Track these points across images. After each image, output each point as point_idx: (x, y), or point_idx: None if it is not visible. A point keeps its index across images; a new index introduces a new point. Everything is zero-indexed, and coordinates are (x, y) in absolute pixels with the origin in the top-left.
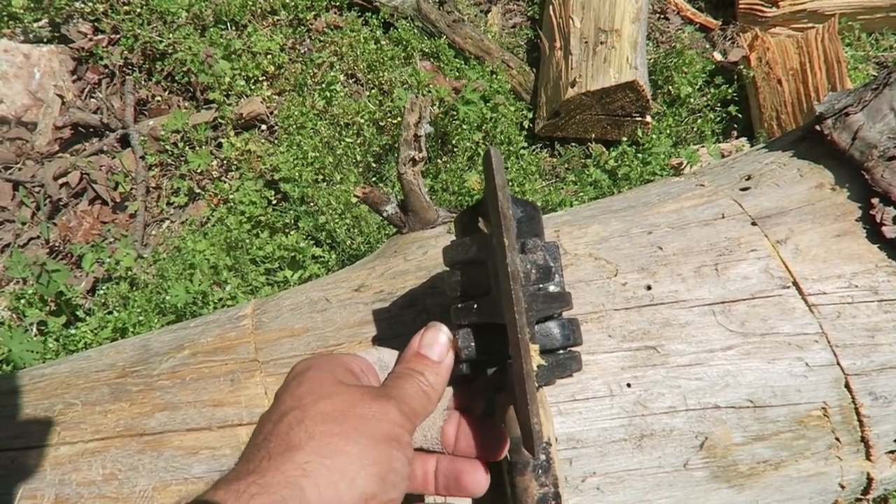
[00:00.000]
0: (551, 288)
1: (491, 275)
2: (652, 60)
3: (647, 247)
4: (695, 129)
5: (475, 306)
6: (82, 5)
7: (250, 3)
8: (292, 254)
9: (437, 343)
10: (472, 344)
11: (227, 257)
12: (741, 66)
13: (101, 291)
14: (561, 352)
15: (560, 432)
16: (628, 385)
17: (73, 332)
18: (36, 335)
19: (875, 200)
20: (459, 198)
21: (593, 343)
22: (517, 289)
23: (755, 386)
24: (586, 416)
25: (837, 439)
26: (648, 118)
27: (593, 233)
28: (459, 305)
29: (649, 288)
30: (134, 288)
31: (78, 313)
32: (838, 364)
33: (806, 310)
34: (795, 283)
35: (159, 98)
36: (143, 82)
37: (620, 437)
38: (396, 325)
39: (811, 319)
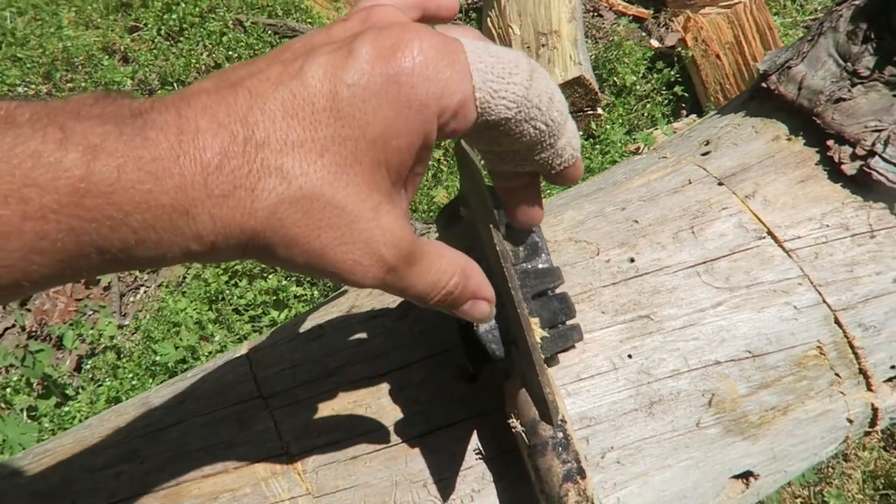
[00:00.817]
0: (540, 265)
1: (482, 260)
2: (593, 56)
3: (624, 222)
4: (645, 115)
5: None
6: (25, 89)
7: (193, 61)
8: (274, 297)
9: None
10: (496, 323)
11: (209, 311)
12: (679, 49)
13: (88, 367)
14: (560, 325)
15: (572, 413)
16: (629, 356)
17: (66, 409)
18: (27, 421)
19: (830, 142)
20: (430, 214)
21: (588, 322)
22: (508, 266)
23: (750, 336)
24: (594, 394)
25: (837, 375)
26: (600, 110)
27: (569, 218)
28: None
29: (632, 260)
30: (121, 356)
31: (67, 392)
32: (825, 302)
33: (784, 256)
34: (770, 233)
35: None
36: None
37: (631, 407)
38: (392, 337)
39: (791, 264)
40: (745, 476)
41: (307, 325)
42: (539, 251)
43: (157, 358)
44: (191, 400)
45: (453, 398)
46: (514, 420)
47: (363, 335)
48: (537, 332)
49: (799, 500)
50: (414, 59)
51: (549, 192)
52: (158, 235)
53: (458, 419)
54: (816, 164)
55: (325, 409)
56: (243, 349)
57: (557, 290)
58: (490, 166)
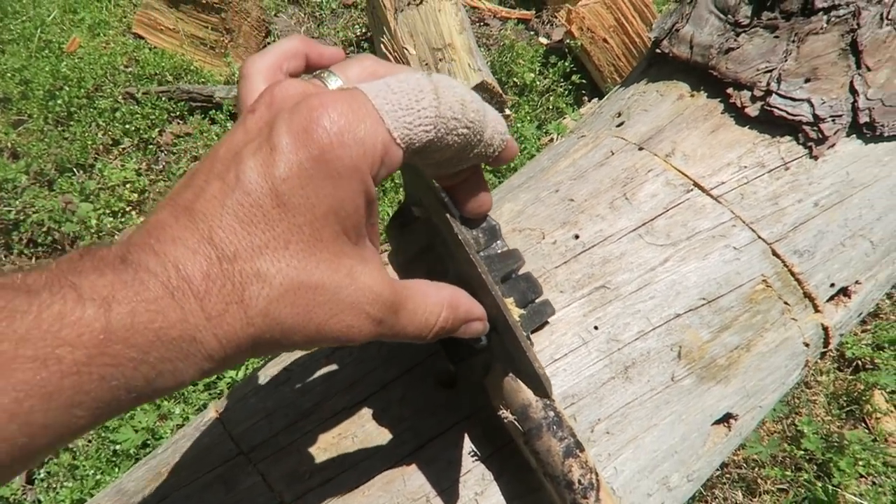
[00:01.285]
0: (499, 249)
1: (444, 255)
2: (490, 62)
3: (560, 203)
4: (551, 108)
5: None
6: None
7: (89, 142)
8: None
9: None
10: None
11: None
12: (567, 41)
13: (41, 476)
14: (531, 303)
15: (555, 394)
16: (595, 328)
17: None
18: None
19: (730, 90)
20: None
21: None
22: (474, 253)
23: (701, 284)
24: (571, 371)
25: (786, 303)
26: (508, 111)
27: (508, 210)
28: None
29: (577, 237)
30: (76, 455)
31: None
32: (759, 238)
33: (714, 203)
34: (696, 184)
35: (27, 267)
36: (3, 258)
37: (608, 376)
38: (363, 363)
39: (721, 209)
40: (726, 420)
41: (271, 372)
42: (496, 235)
43: (118, 447)
44: (169, 474)
45: (437, 407)
46: (504, 410)
47: (333, 367)
48: (514, 311)
49: (776, 435)
50: (329, 133)
51: None
52: (174, 365)
53: (447, 426)
54: (722, 113)
55: (311, 450)
56: (211, 411)
57: (520, 272)
58: (431, 174)
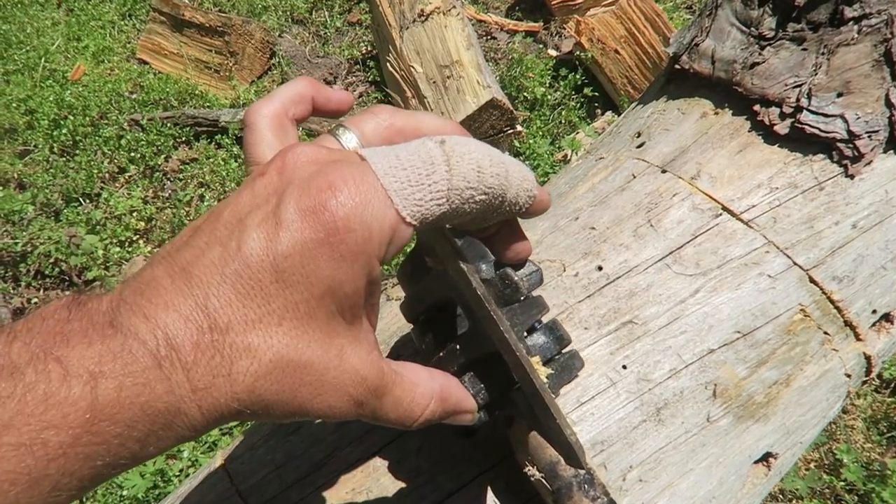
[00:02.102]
0: (521, 298)
1: (462, 308)
2: (499, 77)
3: (581, 231)
4: (563, 122)
5: (458, 347)
6: None
7: (95, 170)
8: None
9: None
10: (482, 385)
11: None
12: (577, 52)
13: None
14: (557, 356)
15: (582, 441)
16: (624, 367)
17: None
18: None
19: (757, 107)
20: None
21: (573, 341)
22: (495, 309)
23: (735, 316)
24: (599, 415)
25: (826, 333)
26: (519, 127)
27: None
28: (441, 354)
29: (600, 268)
30: (85, 499)
31: None
32: (795, 264)
33: (745, 228)
34: (725, 208)
35: (36, 300)
36: (11, 290)
37: (639, 420)
38: None
39: (753, 234)
40: (766, 458)
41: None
42: (520, 288)
43: (124, 493)
44: None
45: (457, 458)
46: (531, 467)
47: None
48: (540, 371)
49: (813, 464)
50: (335, 217)
51: None
52: (158, 437)
53: (468, 479)
54: (750, 131)
55: None
56: (218, 460)
57: (544, 319)
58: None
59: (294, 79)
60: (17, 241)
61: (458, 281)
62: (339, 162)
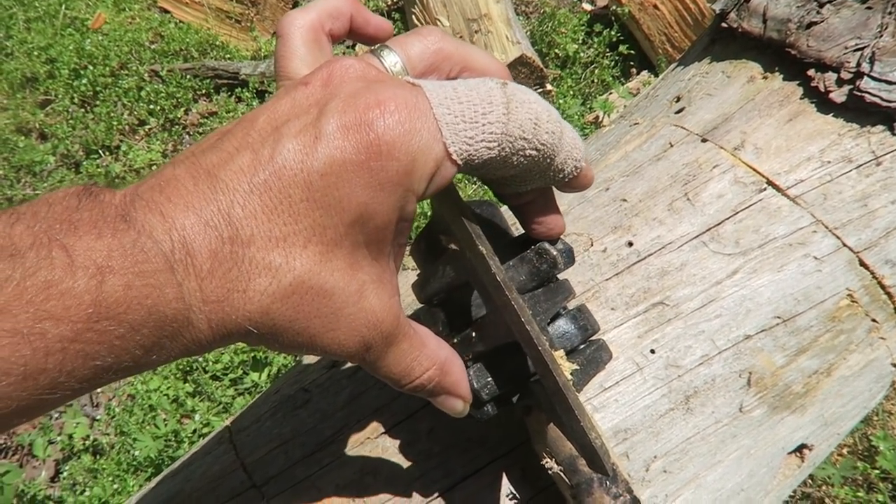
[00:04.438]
0: (556, 278)
1: (479, 294)
2: (529, 32)
3: (611, 203)
4: (596, 81)
5: (474, 335)
6: None
7: (115, 122)
8: (252, 354)
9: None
10: (490, 379)
11: (186, 384)
12: (614, 7)
13: (65, 473)
14: (582, 346)
15: (605, 428)
16: (652, 351)
17: None
18: None
19: (811, 72)
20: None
21: (599, 322)
22: (516, 297)
23: (776, 300)
24: (623, 402)
25: (874, 320)
26: (549, 86)
27: None
28: (455, 340)
29: (631, 244)
30: (99, 456)
31: None
32: (845, 245)
33: (791, 205)
34: (770, 182)
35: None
36: None
37: (666, 408)
38: (387, 387)
39: (800, 212)
40: (800, 450)
41: (289, 391)
42: (570, 260)
43: (136, 453)
44: None
45: (470, 442)
46: (549, 460)
47: (355, 390)
48: (565, 367)
49: (846, 450)
50: (380, 139)
51: None
52: (162, 344)
53: (481, 465)
54: (802, 99)
55: (330, 486)
56: (225, 432)
57: (570, 305)
58: (492, 190)
59: None
60: (37, 192)
61: (476, 265)
62: (389, 82)
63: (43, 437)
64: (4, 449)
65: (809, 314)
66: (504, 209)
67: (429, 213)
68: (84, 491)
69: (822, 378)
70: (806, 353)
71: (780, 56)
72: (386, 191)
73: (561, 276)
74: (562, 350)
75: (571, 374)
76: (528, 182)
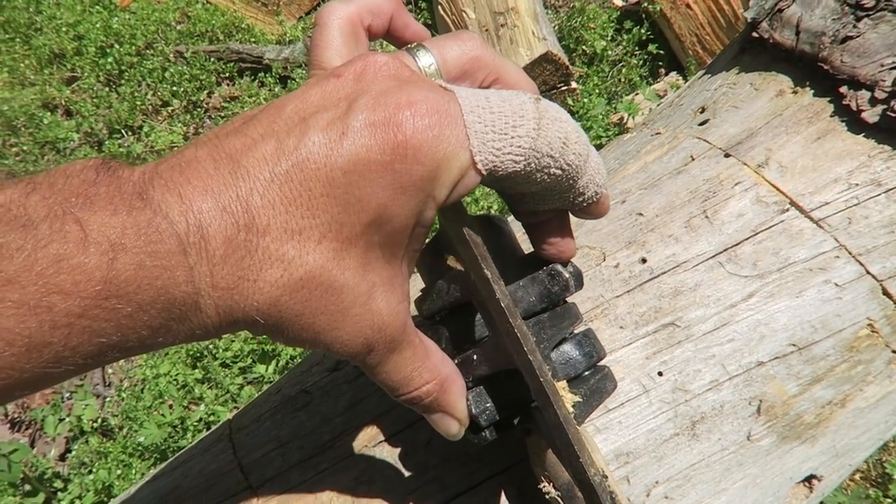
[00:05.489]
0: (565, 301)
1: (483, 317)
2: (557, 27)
3: (626, 217)
4: (622, 80)
5: (475, 357)
6: None
7: (138, 102)
8: (261, 346)
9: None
10: (489, 404)
11: (195, 371)
12: (645, 4)
13: (73, 453)
14: (587, 373)
15: (605, 451)
16: (659, 374)
17: None
18: None
19: (843, 89)
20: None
21: (606, 340)
22: (519, 324)
23: (792, 327)
24: (627, 424)
25: (895, 352)
26: (574, 84)
27: None
28: (456, 361)
29: (644, 261)
30: (107, 438)
31: (56, 484)
32: (868, 273)
33: (814, 227)
34: (793, 203)
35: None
36: None
37: (671, 433)
38: (387, 395)
39: (823, 236)
40: (808, 480)
41: (291, 391)
42: (570, 288)
43: (141, 440)
44: (172, 502)
45: (468, 457)
46: (547, 484)
47: (355, 396)
48: (567, 398)
49: (859, 475)
50: (407, 141)
51: None
52: (169, 327)
53: (478, 481)
54: (832, 116)
55: (325, 493)
56: (224, 430)
57: (577, 328)
58: (508, 205)
59: None
60: None
61: (480, 288)
62: (422, 83)
63: (54, 414)
64: (19, 422)
65: (826, 343)
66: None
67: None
68: (90, 472)
69: (836, 409)
70: (820, 383)
71: (812, 70)
72: (407, 194)
73: (568, 298)
74: (564, 381)
75: (573, 406)
76: (547, 202)
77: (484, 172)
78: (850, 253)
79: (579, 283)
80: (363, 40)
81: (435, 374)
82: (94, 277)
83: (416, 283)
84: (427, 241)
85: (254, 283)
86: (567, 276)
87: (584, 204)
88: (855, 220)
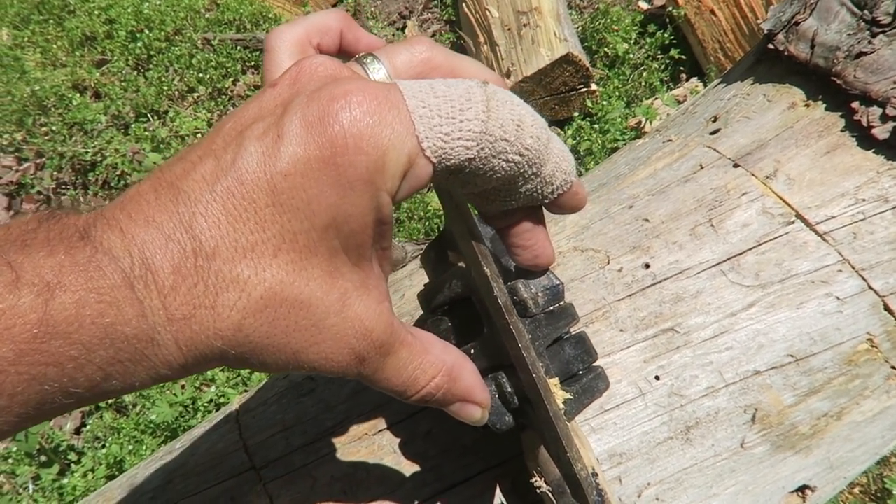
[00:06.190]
0: (550, 307)
1: (481, 313)
2: (580, 28)
3: (633, 222)
4: (643, 84)
5: (472, 352)
6: None
7: (165, 88)
8: None
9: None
10: (510, 389)
11: None
12: (670, 8)
13: (89, 425)
14: (580, 372)
15: (599, 451)
16: (656, 378)
17: (65, 482)
18: (34, 491)
19: (856, 104)
20: (426, 223)
21: (606, 343)
22: (515, 321)
23: (791, 338)
24: (622, 426)
25: (893, 367)
26: (593, 86)
27: (571, 223)
28: None
29: (647, 266)
30: (121, 414)
31: (70, 457)
32: (870, 288)
33: (818, 241)
34: (799, 216)
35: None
36: (80, 198)
37: (665, 436)
38: None
39: (827, 249)
40: (801, 490)
41: (297, 377)
42: (558, 297)
43: (153, 417)
44: (179, 478)
45: (465, 449)
46: (539, 479)
47: (358, 384)
48: (558, 395)
49: (858, 489)
50: (346, 132)
51: None
52: (125, 367)
53: (474, 473)
54: (842, 131)
55: (325, 477)
56: (235, 404)
57: (573, 330)
58: (478, 208)
59: (325, 9)
60: (87, 150)
61: (479, 285)
62: (361, 77)
63: None
64: None
65: (825, 355)
66: None
67: (432, 217)
68: (103, 447)
69: (832, 421)
70: (817, 395)
71: (825, 84)
72: (356, 190)
73: (569, 298)
74: (556, 378)
75: (564, 402)
76: (515, 196)
77: (434, 160)
78: (853, 267)
79: (551, 299)
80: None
81: (440, 366)
82: (29, 320)
83: (421, 279)
84: (433, 238)
85: (212, 310)
86: (525, 295)
87: (554, 195)
88: (860, 235)
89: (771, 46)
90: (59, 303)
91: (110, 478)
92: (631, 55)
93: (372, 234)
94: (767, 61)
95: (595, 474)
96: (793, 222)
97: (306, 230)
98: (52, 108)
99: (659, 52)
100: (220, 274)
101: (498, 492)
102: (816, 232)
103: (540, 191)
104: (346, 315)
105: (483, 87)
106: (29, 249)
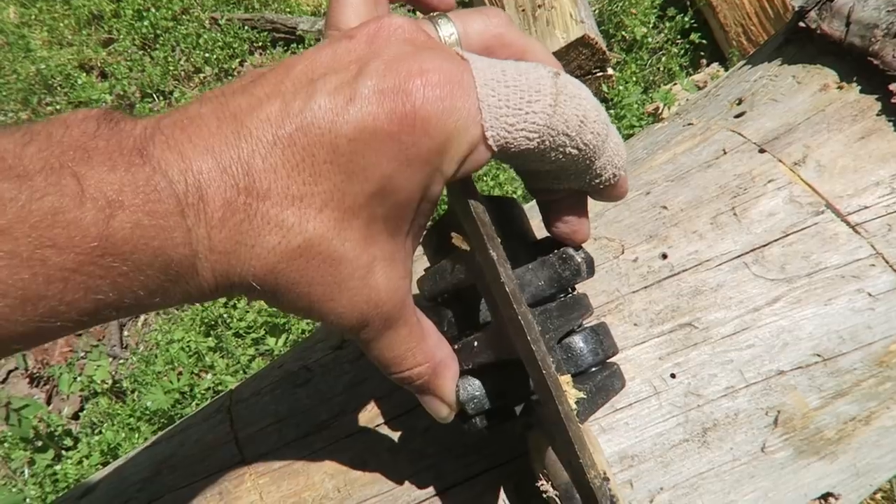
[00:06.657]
0: (562, 295)
1: (486, 302)
2: (597, 11)
3: (650, 209)
4: (661, 69)
5: (475, 344)
6: (3, 117)
7: (171, 68)
8: (273, 319)
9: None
10: (478, 393)
11: (208, 339)
12: None
13: (86, 411)
14: (594, 369)
15: (609, 452)
16: (672, 376)
17: (58, 468)
18: (29, 476)
19: (894, 86)
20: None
21: (618, 337)
22: (524, 311)
23: (818, 336)
24: (634, 426)
25: None
26: (610, 70)
27: None
28: (457, 347)
29: (665, 257)
30: (118, 400)
31: (66, 442)
32: None
33: (850, 232)
34: (829, 205)
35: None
36: None
37: (680, 438)
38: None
39: (859, 241)
40: (825, 497)
41: (293, 366)
42: (581, 274)
43: (148, 404)
44: (167, 470)
45: (466, 448)
46: (545, 482)
47: (357, 376)
48: (570, 394)
49: (880, 494)
50: (416, 112)
51: None
52: (165, 288)
53: (474, 473)
54: (878, 115)
55: (318, 473)
56: (225, 401)
57: (587, 322)
58: (522, 179)
59: None
60: None
61: (485, 270)
62: (438, 51)
63: (69, 373)
64: (37, 378)
65: (854, 355)
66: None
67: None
68: (99, 433)
69: (860, 426)
70: (844, 398)
71: (861, 65)
72: (413, 167)
73: (581, 289)
74: (569, 375)
75: (577, 402)
76: (563, 181)
77: (495, 149)
78: (886, 262)
79: (591, 271)
80: (383, 3)
81: (429, 357)
82: (90, 234)
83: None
84: (434, 219)
85: (251, 249)
86: (579, 260)
87: (601, 186)
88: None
89: (802, 24)
90: (118, 221)
91: (104, 465)
92: (649, 39)
93: (415, 210)
94: (797, 41)
95: (606, 479)
96: (822, 212)
97: (355, 193)
98: (58, 87)
99: (679, 37)
100: (266, 216)
101: (501, 494)
102: (848, 223)
103: (589, 181)
104: (368, 282)
105: (554, 80)
106: (91, 161)
